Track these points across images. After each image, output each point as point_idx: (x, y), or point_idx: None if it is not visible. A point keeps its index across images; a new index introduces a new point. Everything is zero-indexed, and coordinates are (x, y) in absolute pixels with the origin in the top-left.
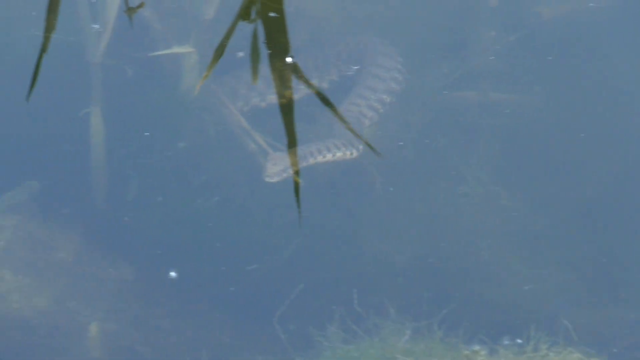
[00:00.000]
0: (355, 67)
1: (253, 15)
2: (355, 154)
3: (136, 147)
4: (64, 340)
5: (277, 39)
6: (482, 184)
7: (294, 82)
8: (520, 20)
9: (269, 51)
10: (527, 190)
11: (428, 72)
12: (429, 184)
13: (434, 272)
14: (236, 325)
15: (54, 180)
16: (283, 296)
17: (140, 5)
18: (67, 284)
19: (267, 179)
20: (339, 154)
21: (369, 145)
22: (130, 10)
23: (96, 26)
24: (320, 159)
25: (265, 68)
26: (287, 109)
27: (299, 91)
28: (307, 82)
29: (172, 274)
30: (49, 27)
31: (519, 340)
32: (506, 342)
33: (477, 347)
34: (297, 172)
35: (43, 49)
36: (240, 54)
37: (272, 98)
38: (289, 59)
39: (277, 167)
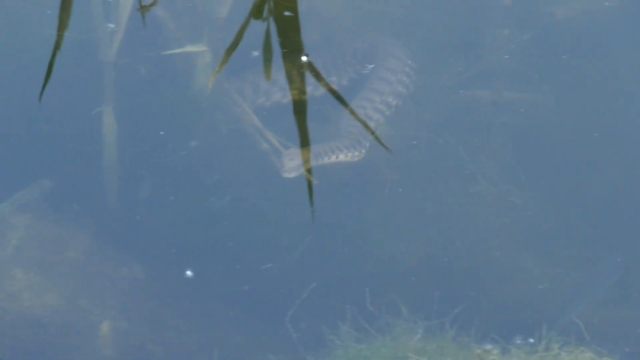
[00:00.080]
0: (371, 66)
1: (265, 13)
2: (361, 155)
3: (148, 146)
4: (75, 339)
5: (291, 37)
6: (494, 183)
7: (310, 80)
8: (534, 20)
9: (284, 50)
10: (540, 189)
11: (441, 71)
12: (441, 183)
13: (446, 271)
14: (248, 324)
15: (66, 178)
16: (295, 295)
17: (153, 4)
18: (78, 283)
19: (286, 175)
20: (349, 155)
21: (382, 144)
22: (143, 9)
23: (111, 25)
24: (333, 159)
25: (280, 67)
26: (300, 107)
27: (313, 90)
28: (324, 81)
29: (189, 273)
30: (62, 26)
31: (531, 340)
32: (518, 342)
33: (489, 346)
34: (309, 170)
35: (56, 48)
36: (255, 53)
37: (279, 97)
38: (304, 58)
39: (294, 162)
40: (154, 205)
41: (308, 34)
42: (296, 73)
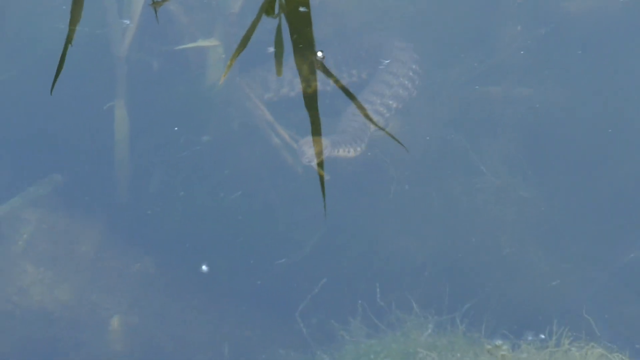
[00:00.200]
0: (387, 61)
1: (277, 9)
2: (358, 151)
3: (160, 141)
4: (86, 333)
5: (304, 33)
6: (505, 179)
7: (323, 76)
8: (546, 15)
9: (300, 45)
10: (552, 185)
11: (453, 66)
12: (452, 179)
13: (457, 266)
14: (258, 319)
15: (77, 173)
16: (305, 290)
17: None
18: (89, 277)
19: (307, 162)
20: (348, 150)
21: (395, 139)
22: (156, 4)
23: (126, 22)
24: (335, 152)
25: (292, 62)
26: (311, 101)
27: (324, 85)
28: (336, 77)
29: (204, 267)
30: (74, 20)
31: (542, 336)
32: (530, 338)
33: (499, 342)
34: (321, 164)
35: (68, 42)
36: (271, 49)
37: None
38: (319, 54)
39: (314, 150)
40: (165, 199)
41: (321, 30)
42: (308, 68)
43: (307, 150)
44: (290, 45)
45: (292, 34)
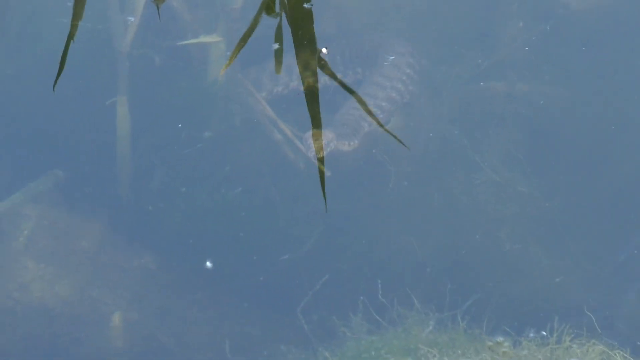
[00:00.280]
0: (392, 57)
1: (277, 5)
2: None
3: (162, 137)
4: (87, 330)
5: (307, 30)
6: (506, 176)
7: (326, 71)
8: (548, 11)
9: (304, 42)
10: (554, 181)
11: (455, 63)
12: (453, 175)
13: (459, 262)
14: (259, 315)
15: (78, 169)
16: (307, 287)
17: None
18: (90, 273)
19: (313, 155)
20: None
21: (395, 137)
22: (158, 0)
23: (131, 18)
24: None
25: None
26: (312, 97)
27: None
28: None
29: (208, 264)
30: (77, 15)
31: (543, 333)
32: (531, 335)
33: (500, 339)
34: (321, 160)
35: (70, 37)
36: (276, 45)
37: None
38: (324, 50)
39: (320, 143)
40: (166, 195)
41: (322, 26)
42: (313, 64)
43: (313, 143)
44: (290, 42)
45: (296, 31)
